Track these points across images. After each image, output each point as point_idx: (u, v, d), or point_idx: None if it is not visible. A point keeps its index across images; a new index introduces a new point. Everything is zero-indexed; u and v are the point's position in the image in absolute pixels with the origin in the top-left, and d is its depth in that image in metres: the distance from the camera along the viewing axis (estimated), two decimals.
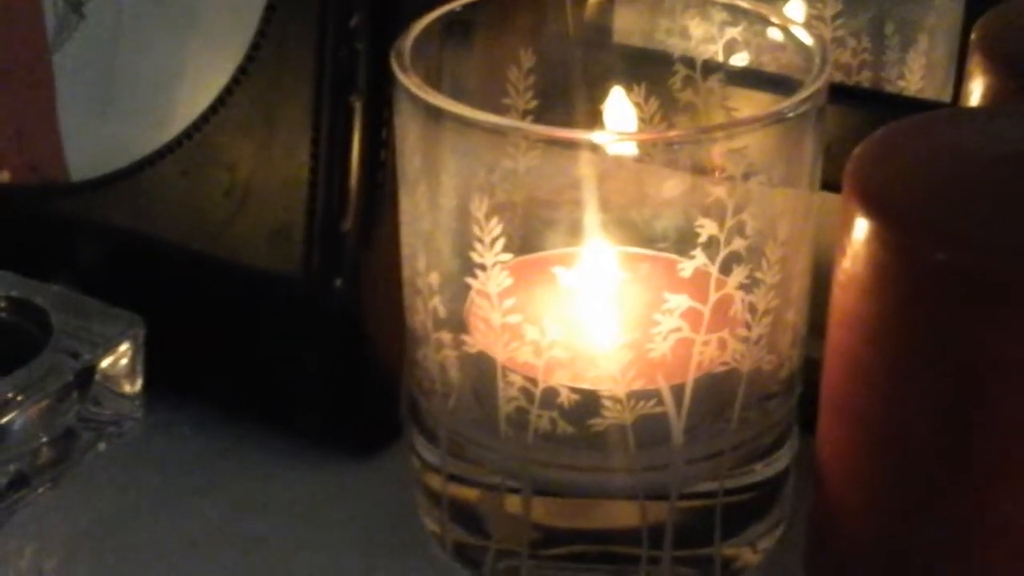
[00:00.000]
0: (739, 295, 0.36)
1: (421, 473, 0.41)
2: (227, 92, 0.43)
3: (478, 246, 0.36)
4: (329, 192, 0.42)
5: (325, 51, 0.41)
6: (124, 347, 0.44)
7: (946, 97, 0.43)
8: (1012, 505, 0.33)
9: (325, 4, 0.41)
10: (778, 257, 0.36)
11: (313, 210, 0.42)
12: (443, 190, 0.38)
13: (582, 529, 0.39)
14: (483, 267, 0.36)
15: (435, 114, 0.36)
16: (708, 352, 0.36)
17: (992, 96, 0.40)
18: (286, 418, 0.45)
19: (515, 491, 0.38)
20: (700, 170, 0.36)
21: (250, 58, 0.43)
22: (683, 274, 0.36)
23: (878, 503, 0.35)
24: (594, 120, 0.41)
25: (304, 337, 0.44)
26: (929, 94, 0.44)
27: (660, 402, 0.36)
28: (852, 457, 0.35)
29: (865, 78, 0.45)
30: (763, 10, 0.40)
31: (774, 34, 0.40)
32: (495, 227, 0.36)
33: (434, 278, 0.38)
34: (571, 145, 0.36)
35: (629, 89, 0.41)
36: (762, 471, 0.39)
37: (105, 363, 0.43)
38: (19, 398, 0.41)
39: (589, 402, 0.36)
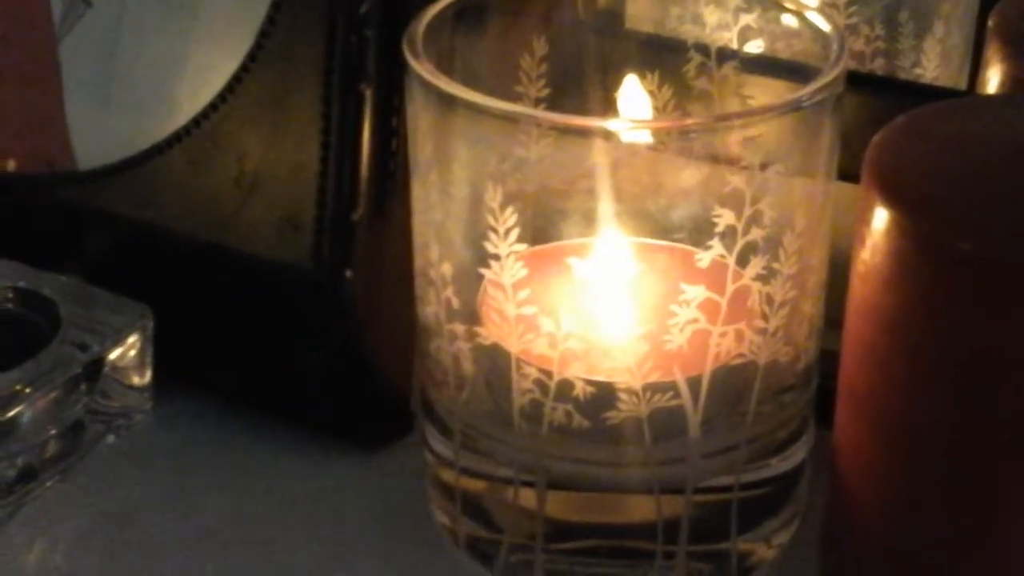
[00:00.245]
0: (756, 286, 0.36)
1: (433, 466, 0.40)
2: (236, 80, 0.43)
3: (492, 236, 0.35)
4: (339, 181, 0.42)
5: (335, 38, 0.41)
6: (133, 339, 0.44)
7: (961, 85, 0.43)
8: None
9: None
10: (795, 247, 0.36)
11: (323, 199, 0.42)
12: (455, 179, 0.37)
13: (596, 523, 0.38)
14: (497, 257, 0.36)
15: (447, 101, 0.36)
16: (725, 344, 0.36)
17: (1010, 84, 0.39)
18: (295, 410, 0.45)
19: (529, 484, 0.38)
20: (716, 159, 0.35)
21: (259, 45, 0.42)
22: (700, 265, 0.35)
23: (895, 497, 0.35)
24: (607, 108, 0.41)
25: (314, 328, 0.43)
26: (944, 82, 0.44)
27: (676, 395, 0.36)
28: (869, 450, 0.35)
29: (879, 66, 0.45)
30: None
31: (789, 21, 0.40)
32: (510, 217, 0.35)
33: (447, 268, 0.37)
34: (585, 133, 0.36)
35: (643, 77, 0.41)
36: (778, 465, 0.39)
37: (114, 355, 0.43)
38: (27, 390, 0.41)
39: (605, 395, 0.36)
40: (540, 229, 0.39)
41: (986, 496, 0.33)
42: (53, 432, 0.42)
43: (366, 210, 0.42)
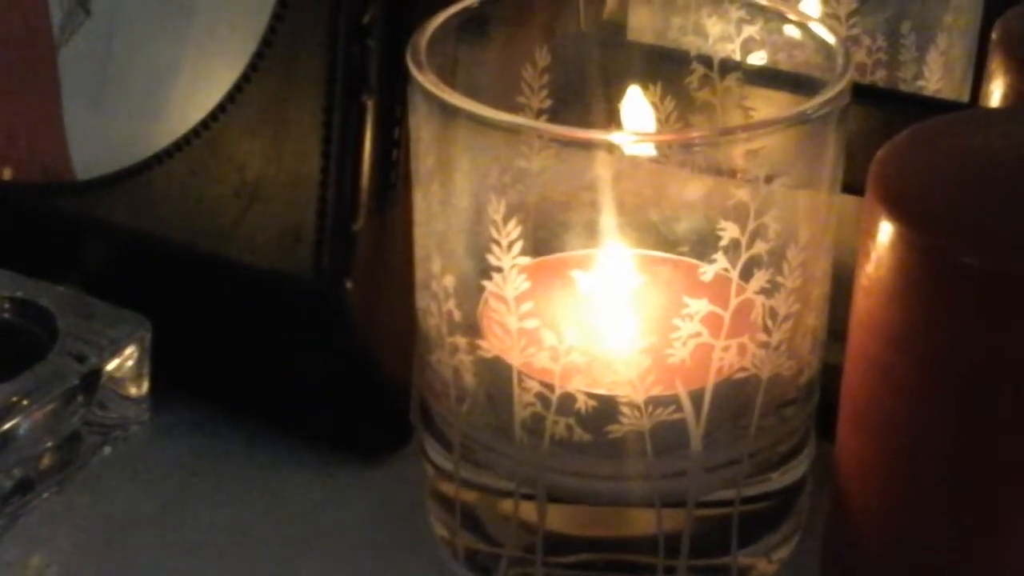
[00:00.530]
0: (760, 299, 0.36)
1: (432, 479, 0.40)
2: (237, 90, 0.43)
3: (495, 248, 0.35)
4: (340, 192, 0.42)
5: (337, 48, 0.41)
6: (130, 350, 0.43)
7: (964, 97, 0.43)
8: None
9: (337, 0, 0.41)
10: (799, 261, 0.36)
11: (324, 210, 0.42)
12: (457, 190, 0.37)
13: (597, 537, 0.38)
14: (500, 270, 0.36)
15: (450, 112, 0.36)
16: (728, 358, 0.36)
17: (1014, 96, 0.39)
18: (294, 421, 0.45)
19: (529, 498, 0.38)
20: (720, 172, 0.35)
21: (260, 55, 0.42)
22: (704, 278, 0.35)
23: (898, 512, 0.35)
24: (610, 119, 0.41)
25: (313, 339, 0.43)
26: (946, 94, 0.44)
27: (679, 408, 0.36)
28: (871, 463, 0.35)
29: (880, 77, 0.45)
30: (782, 7, 0.40)
31: (792, 32, 0.40)
32: (513, 229, 0.35)
33: (448, 280, 0.37)
34: (588, 145, 0.36)
35: (645, 88, 0.41)
36: (779, 479, 0.39)
37: (111, 366, 0.43)
38: (24, 402, 0.41)
39: (607, 408, 0.36)
40: (542, 241, 0.39)
41: (988, 509, 0.33)
42: (50, 444, 0.42)
43: (367, 221, 0.42)
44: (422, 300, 0.39)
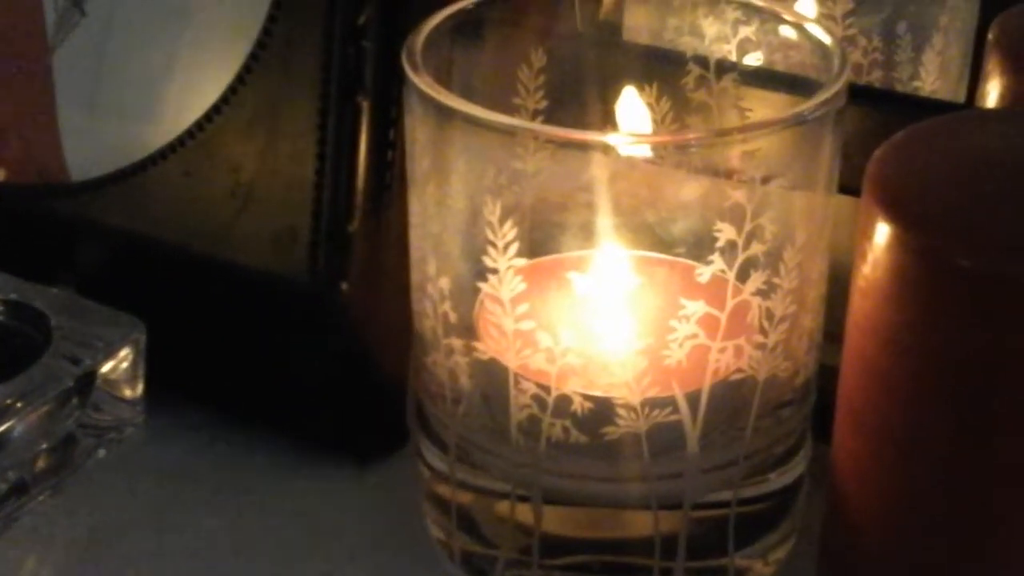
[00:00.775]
0: (756, 301, 0.36)
1: (428, 481, 0.40)
2: (231, 91, 0.43)
3: (491, 250, 0.35)
4: (335, 193, 0.41)
5: (332, 49, 0.41)
6: (125, 352, 0.43)
7: (960, 97, 0.43)
8: None
9: (333, 1, 0.41)
10: (796, 262, 0.36)
11: (319, 212, 0.42)
12: (452, 191, 0.37)
13: (593, 539, 0.38)
14: (495, 271, 0.35)
15: (446, 114, 0.36)
16: (724, 359, 0.36)
17: (1011, 97, 0.39)
18: (289, 423, 0.45)
19: (525, 499, 0.38)
20: (716, 173, 0.35)
21: (255, 56, 0.42)
22: (700, 279, 0.35)
23: (895, 513, 0.35)
24: (606, 120, 0.40)
25: (309, 341, 0.43)
26: (942, 95, 0.44)
27: (675, 410, 0.36)
28: (869, 466, 0.35)
29: (876, 78, 0.45)
30: (778, 8, 0.39)
31: (788, 33, 0.40)
32: (509, 231, 0.35)
33: (444, 282, 0.37)
34: (584, 147, 0.36)
35: (641, 89, 0.41)
36: (776, 480, 0.39)
37: (106, 368, 0.43)
38: (19, 404, 0.41)
39: (603, 410, 0.36)
40: (538, 243, 0.38)
41: (985, 511, 0.33)
42: (44, 446, 0.42)
43: (362, 222, 0.42)
44: (418, 302, 0.39)
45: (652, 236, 0.39)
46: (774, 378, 0.37)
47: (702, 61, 0.41)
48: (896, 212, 0.33)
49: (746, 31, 0.40)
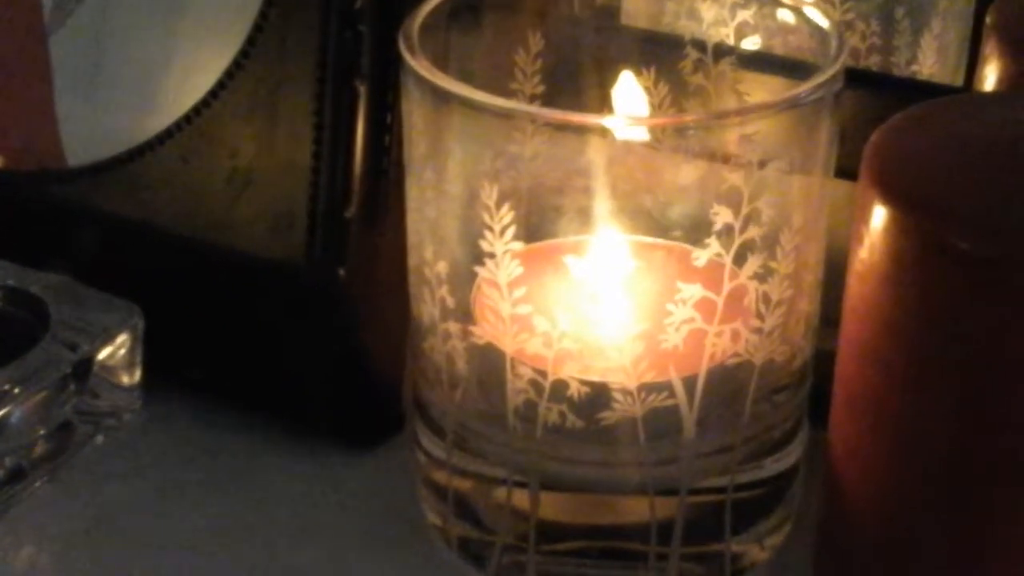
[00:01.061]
0: (753, 285, 0.36)
1: (425, 467, 0.40)
2: (228, 76, 0.42)
3: (488, 234, 0.35)
4: (332, 179, 0.41)
5: (329, 34, 0.41)
6: (122, 338, 0.43)
7: (958, 81, 0.42)
8: None
9: None
10: (792, 246, 0.36)
11: (316, 197, 0.42)
12: (450, 176, 0.37)
13: (589, 525, 0.38)
14: (492, 256, 0.35)
15: (443, 98, 0.35)
16: (721, 343, 0.36)
17: (1009, 81, 0.39)
18: (287, 409, 0.45)
19: (522, 485, 0.38)
20: (713, 156, 0.35)
21: (252, 41, 0.42)
22: (697, 263, 0.35)
23: (891, 499, 0.35)
24: (603, 105, 0.40)
25: (306, 327, 0.43)
26: (940, 79, 0.44)
27: (672, 395, 0.36)
28: (865, 451, 0.35)
29: (874, 62, 0.45)
30: None
31: (786, 16, 0.40)
32: (506, 215, 0.35)
33: (441, 267, 0.37)
34: (581, 129, 0.36)
35: (639, 73, 0.41)
36: (772, 466, 0.39)
37: (103, 354, 0.43)
38: (16, 390, 0.41)
39: (599, 395, 0.36)
40: (535, 227, 0.38)
41: (984, 496, 0.33)
42: (42, 432, 0.42)
43: (359, 208, 0.42)
44: (415, 286, 0.39)
45: (649, 220, 0.39)
46: (771, 362, 0.37)
47: (700, 45, 0.40)
48: (893, 195, 0.33)
49: (744, 15, 0.40)
